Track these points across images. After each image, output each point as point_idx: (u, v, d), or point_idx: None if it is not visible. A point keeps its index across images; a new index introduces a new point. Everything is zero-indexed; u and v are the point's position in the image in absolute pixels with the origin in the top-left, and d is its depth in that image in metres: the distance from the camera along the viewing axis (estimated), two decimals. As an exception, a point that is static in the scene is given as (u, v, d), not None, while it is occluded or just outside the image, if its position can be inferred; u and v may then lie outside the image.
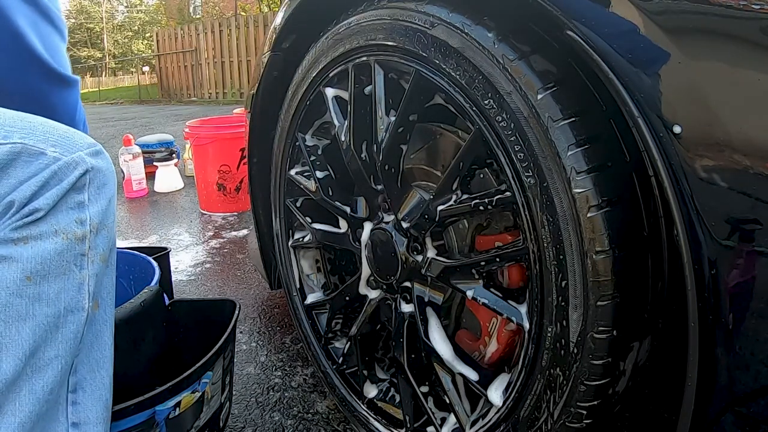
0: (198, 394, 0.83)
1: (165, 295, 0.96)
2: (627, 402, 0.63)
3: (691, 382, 0.48)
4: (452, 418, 0.78)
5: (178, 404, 0.79)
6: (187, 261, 1.98)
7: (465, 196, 0.69)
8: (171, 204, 2.86)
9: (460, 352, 0.76)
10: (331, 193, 0.96)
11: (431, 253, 0.77)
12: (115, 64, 33.51)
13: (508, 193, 0.62)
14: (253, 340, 1.37)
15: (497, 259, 0.66)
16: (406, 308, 0.84)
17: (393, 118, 0.76)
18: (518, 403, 0.66)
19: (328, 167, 0.98)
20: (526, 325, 0.63)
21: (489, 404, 0.70)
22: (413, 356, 0.84)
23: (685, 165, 0.45)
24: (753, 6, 0.41)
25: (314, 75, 0.90)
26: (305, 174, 1.02)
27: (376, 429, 0.92)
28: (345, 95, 0.89)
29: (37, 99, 0.85)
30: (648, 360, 0.60)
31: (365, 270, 0.90)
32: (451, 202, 0.70)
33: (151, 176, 3.16)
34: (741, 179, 0.42)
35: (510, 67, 0.58)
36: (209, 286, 1.75)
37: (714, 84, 0.43)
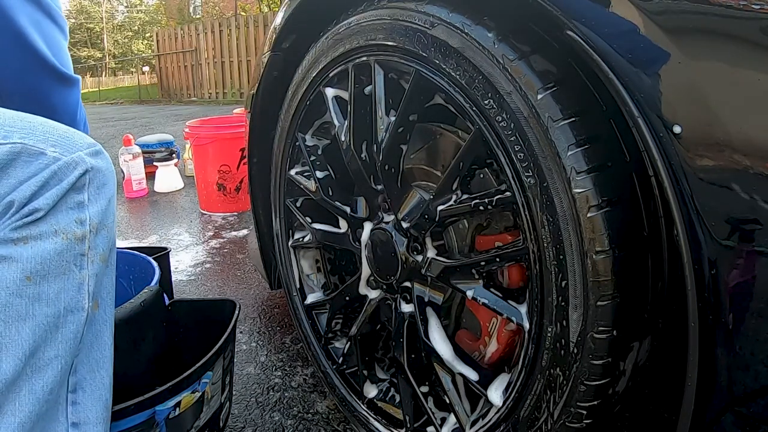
0: (198, 394, 0.83)
1: (165, 295, 0.96)
2: (627, 402, 0.63)
3: (691, 382, 0.48)
4: (452, 418, 0.78)
5: (178, 404, 0.79)
6: (187, 261, 1.98)
7: (465, 196, 0.69)
8: (171, 204, 2.86)
9: (460, 352, 0.76)
10: (331, 193, 0.96)
11: (431, 253, 0.77)
12: (115, 64, 33.51)
13: (508, 193, 0.62)
14: (253, 340, 1.37)
15: (497, 259, 0.66)
16: (406, 308, 0.84)
17: (393, 118, 0.76)
18: (518, 403, 0.66)
19: (328, 167, 0.98)
20: (526, 325, 0.63)
21: (489, 404, 0.70)
22: (413, 356, 0.84)
23: (685, 165, 0.45)
24: (753, 6, 0.41)
25: (314, 75, 0.90)
26: (305, 174, 1.02)
27: (376, 429, 0.92)
28: (345, 95, 0.89)
29: (38, 98, 0.85)
30: (648, 360, 0.60)
31: (365, 270, 0.90)
32: (451, 202, 0.70)
33: (151, 176, 3.16)
34: (741, 179, 0.42)
35: (510, 67, 0.58)
36: (209, 286, 1.75)
37: (714, 84, 0.43)
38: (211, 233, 2.31)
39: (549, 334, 0.60)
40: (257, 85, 1.07)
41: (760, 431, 0.46)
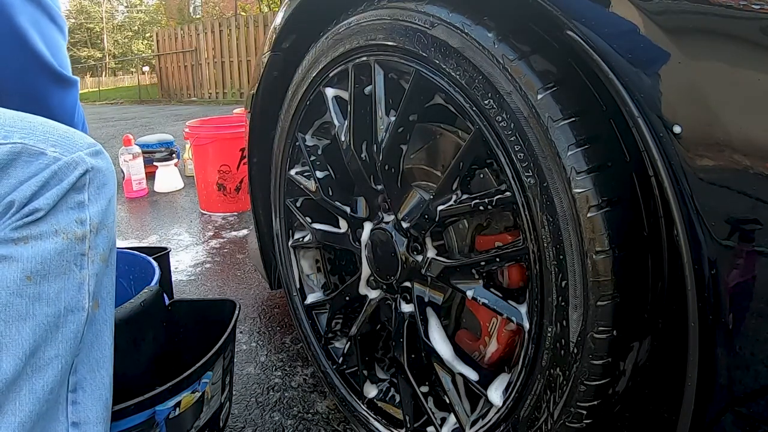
0: (198, 394, 0.83)
1: (165, 295, 0.96)
2: (627, 402, 0.63)
3: (691, 382, 0.48)
4: (452, 418, 0.78)
5: (178, 404, 0.79)
6: (187, 261, 1.98)
7: (465, 196, 0.69)
8: (171, 204, 2.86)
9: (460, 352, 0.76)
10: (331, 193, 0.96)
11: (431, 253, 0.77)
12: (115, 64, 33.52)
13: (508, 193, 0.62)
14: (253, 340, 1.37)
15: (497, 259, 0.66)
16: (406, 308, 0.84)
17: (393, 118, 0.76)
18: (518, 403, 0.66)
19: (328, 167, 0.98)
20: (526, 325, 0.63)
21: (489, 404, 0.70)
22: (413, 356, 0.84)
23: (685, 165, 0.45)
24: (753, 6, 0.41)
25: (314, 75, 0.90)
26: (305, 174, 1.02)
27: (376, 429, 0.92)
28: (345, 95, 0.89)
29: (36, 99, 0.85)
30: (648, 360, 0.60)
31: (365, 270, 0.90)
32: (451, 202, 0.70)
33: (151, 176, 3.16)
34: (741, 179, 0.42)
35: (510, 67, 0.58)
36: (209, 286, 1.75)
37: (714, 84, 0.43)
38: (211, 233, 2.31)
39: (549, 334, 0.60)
40: (257, 85, 1.07)
41: (760, 431, 0.46)
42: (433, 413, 0.82)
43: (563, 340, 0.58)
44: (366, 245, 0.88)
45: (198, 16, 22.57)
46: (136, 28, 35.84)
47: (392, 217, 0.82)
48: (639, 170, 0.55)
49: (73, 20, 33.59)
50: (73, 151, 0.61)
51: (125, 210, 2.76)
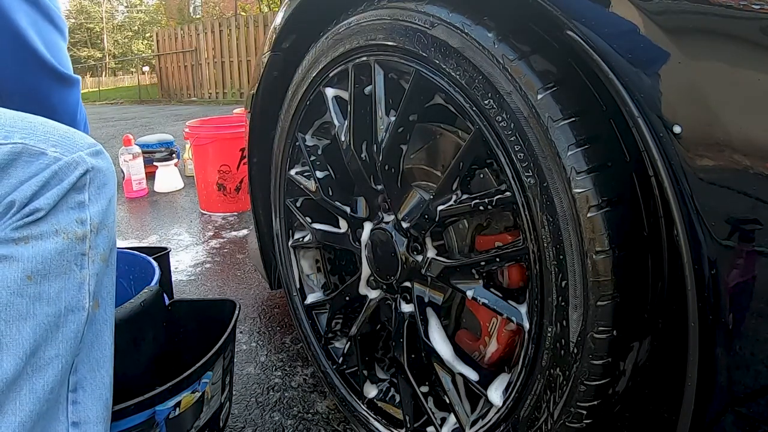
0: (198, 394, 0.83)
1: (165, 295, 0.96)
2: (627, 402, 0.63)
3: (691, 382, 0.48)
4: (452, 418, 0.78)
5: (178, 404, 0.79)
6: (187, 261, 1.98)
7: (465, 196, 0.69)
8: (171, 204, 2.86)
9: (460, 352, 0.76)
10: (331, 193, 0.96)
11: (431, 253, 0.77)
12: (115, 64, 33.52)
13: (508, 193, 0.62)
14: (253, 340, 1.37)
15: (497, 259, 0.66)
16: (406, 308, 0.84)
17: (393, 118, 0.76)
18: (518, 403, 0.66)
19: (328, 167, 0.98)
20: (526, 325, 0.63)
21: (489, 404, 0.70)
22: (413, 356, 0.84)
23: (685, 165, 0.45)
24: (753, 6, 0.41)
25: (314, 75, 0.90)
26: (305, 174, 1.02)
27: (376, 429, 0.92)
28: (345, 95, 0.89)
29: (37, 99, 0.85)
30: (648, 360, 0.60)
31: (365, 270, 0.90)
32: (451, 202, 0.70)
33: (151, 176, 3.16)
34: (741, 179, 0.42)
35: (510, 67, 0.58)
36: (209, 286, 1.75)
37: (714, 84, 0.43)
38: (211, 233, 2.31)
39: (549, 334, 0.60)
40: (257, 85, 1.07)
41: (760, 431, 0.46)
42: (433, 413, 0.82)
43: (563, 340, 0.58)
44: (366, 245, 0.88)
45: (198, 16, 22.57)
46: (136, 28, 35.85)
47: (392, 217, 0.82)
48: (639, 170, 0.55)
49: (73, 20, 33.60)
50: (74, 151, 0.61)
51: (125, 210, 2.76)
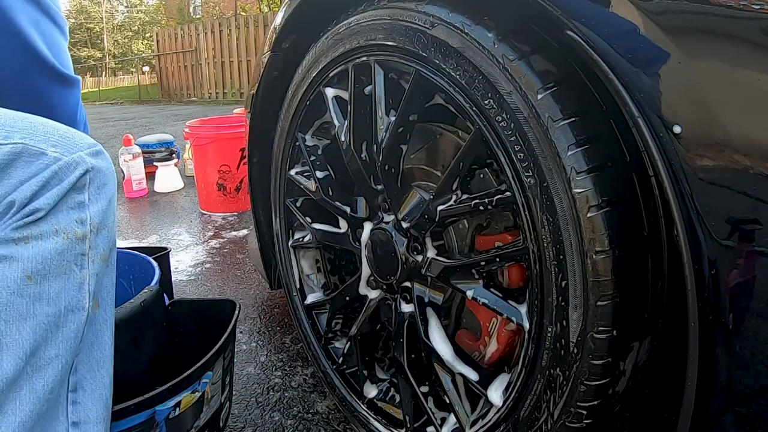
0: (198, 394, 0.83)
1: (165, 295, 0.96)
2: (627, 402, 0.63)
3: (691, 382, 0.48)
4: (452, 418, 0.78)
5: (178, 404, 0.79)
6: (187, 261, 1.98)
7: (465, 196, 0.69)
8: (171, 204, 2.86)
9: (460, 352, 0.76)
10: (331, 193, 0.96)
11: (431, 253, 0.77)
12: (115, 64, 33.53)
13: (508, 193, 0.62)
14: (253, 340, 1.37)
15: (497, 259, 0.66)
16: (406, 308, 0.84)
17: (393, 118, 0.76)
18: (518, 403, 0.66)
19: (328, 167, 0.98)
20: (526, 325, 0.63)
21: (489, 404, 0.70)
22: (413, 356, 0.84)
23: (685, 165, 0.45)
24: (753, 6, 0.41)
25: (314, 75, 0.90)
26: (305, 174, 1.02)
27: (376, 429, 0.92)
28: (345, 95, 0.89)
29: (37, 99, 0.85)
30: (648, 360, 0.60)
31: (365, 270, 0.90)
32: (451, 202, 0.70)
33: (151, 176, 3.16)
34: (741, 179, 0.42)
35: (510, 67, 0.58)
36: (209, 286, 1.75)
37: (714, 84, 0.43)
38: (211, 233, 2.31)
39: (549, 334, 0.60)
40: (257, 85, 1.07)
41: (759, 431, 0.46)
42: (433, 413, 0.82)
43: (563, 340, 0.58)
44: (366, 245, 0.88)
45: (198, 16, 22.57)
46: (136, 28, 35.85)
47: (392, 217, 0.82)
48: (639, 170, 0.55)
49: (73, 20, 33.60)
50: (74, 152, 0.61)
51: (125, 210, 2.76)
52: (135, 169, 2.97)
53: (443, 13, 0.65)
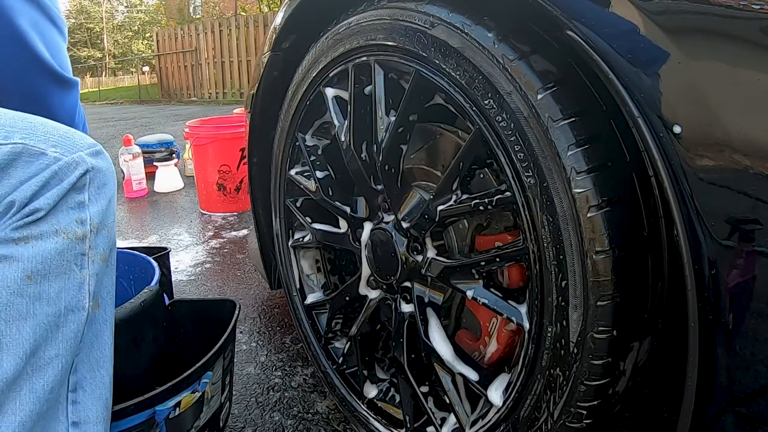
0: (198, 394, 0.83)
1: (165, 295, 0.96)
2: (627, 402, 0.63)
3: (691, 382, 0.48)
4: (452, 418, 0.78)
5: (178, 404, 0.79)
6: (187, 261, 1.98)
7: (465, 196, 0.69)
8: (171, 204, 2.86)
9: (460, 352, 0.76)
10: (331, 193, 0.96)
11: (431, 253, 0.77)
12: (115, 64, 33.53)
13: (508, 193, 0.62)
14: (253, 340, 1.37)
15: (497, 259, 0.66)
16: (406, 308, 0.84)
17: (393, 118, 0.76)
18: (518, 403, 0.66)
19: (328, 167, 0.98)
20: (526, 325, 0.63)
21: (489, 404, 0.70)
22: (413, 356, 0.84)
23: (685, 165, 0.45)
24: (753, 6, 0.41)
25: (314, 75, 0.90)
26: (305, 174, 1.02)
27: (376, 429, 0.92)
28: (345, 95, 0.89)
29: (36, 100, 0.85)
30: (648, 360, 0.60)
31: (365, 270, 0.90)
32: (451, 202, 0.70)
33: (151, 176, 3.16)
34: (741, 179, 0.42)
35: (510, 67, 0.58)
36: (209, 286, 1.75)
37: (714, 84, 0.43)
38: (211, 233, 2.31)
39: (549, 334, 0.60)
40: (257, 85, 1.07)
41: (760, 431, 0.46)
42: (433, 413, 0.82)
43: (563, 340, 0.58)
44: (366, 245, 0.88)
45: (198, 16, 22.58)
46: (136, 28, 35.86)
47: (392, 217, 0.82)
48: (639, 170, 0.55)
49: (73, 20, 33.62)
50: (74, 152, 0.61)
51: (125, 210, 2.76)
52: (135, 169, 2.97)
53: (443, 13, 0.65)
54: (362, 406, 0.96)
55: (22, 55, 0.81)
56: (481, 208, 0.66)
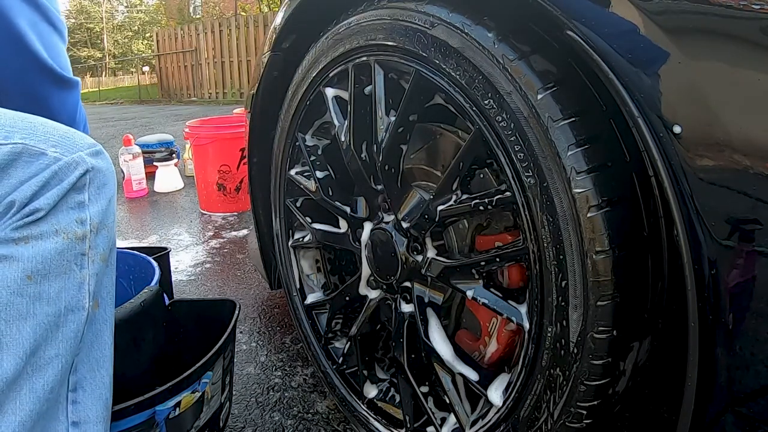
0: (198, 394, 0.83)
1: (165, 295, 0.96)
2: (627, 402, 0.63)
3: (691, 382, 0.48)
4: (452, 418, 0.78)
5: (178, 404, 0.79)
6: (187, 261, 1.98)
7: (465, 196, 0.69)
8: (171, 204, 2.86)
9: (460, 352, 0.76)
10: (331, 193, 0.96)
11: (431, 253, 0.77)
12: (115, 64, 33.53)
13: (508, 193, 0.62)
14: (253, 340, 1.37)
15: (497, 259, 0.66)
16: (406, 308, 0.84)
17: (393, 118, 0.76)
18: (518, 403, 0.66)
19: (328, 167, 0.98)
20: (526, 325, 0.63)
21: (489, 404, 0.70)
22: (413, 356, 0.84)
23: (685, 165, 0.45)
24: (753, 6, 0.41)
25: (314, 75, 0.90)
26: (305, 174, 1.02)
27: (376, 429, 0.92)
28: (345, 95, 0.89)
29: (37, 100, 0.85)
30: (648, 360, 0.60)
31: (365, 270, 0.90)
32: (451, 202, 0.70)
33: (151, 176, 3.16)
34: (741, 179, 0.42)
35: (510, 67, 0.58)
36: (209, 286, 1.75)
37: (714, 84, 0.43)
38: (211, 233, 2.31)
39: (549, 334, 0.60)
40: (257, 85, 1.07)
41: (760, 431, 0.46)
42: (433, 413, 0.82)
43: (563, 340, 0.58)
44: (366, 245, 0.88)
45: (198, 16, 22.58)
46: (136, 28, 35.87)
47: (392, 217, 0.82)
48: (639, 170, 0.55)
49: (73, 20, 33.63)
50: (74, 152, 0.61)
51: (125, 210, 2.76)
52: (135, 169, 2.97)
53: (443, 13, 0.65)
54: (362, 406, 0.96)
55: (22, 56, 0.81)
56: (481, 208, 0.66)
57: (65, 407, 0.61)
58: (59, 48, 0.87)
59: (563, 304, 0.57)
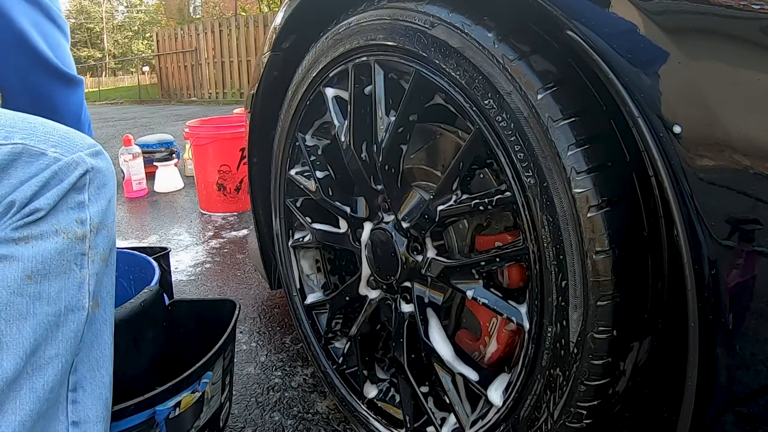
0: (198, 394, 0.83)
1: (165, 295, 0.96)
2: (627, 402, 0.63)
3: (691, 382, 0.48)
4: (452, 418, 0.78)
5: (178, 404, 0.79)
6: (187, 261, 1.98)
7: (465, 196, 0.69)
8: (171, 204, 2.86)
9: (460, 352, 0.76)
10: (331, 193, 0.96)
11: (431, 253, 0.77)
12: (115, 64, 33.54)
13: (508, 193, 0.62)
14: (253, 340, 1.37)
15: (497, 259, 0.66)
16: (406, 308, 0.84)
17: (393, 118, 0.76)
18: (518, 403, 0.66)
19: (328, 167, 0.98)
20: (526, 325, 0.63)
21: (489, 404, 0.70)
22: (413, 356, 0.84)
23: (685, 165, 0.45)
24: (753, 6, 0.41)
25: (314, 75, 0.90)
26: (305, 174, 1.02)
27: (376, 429, 0.92)
28: (345, 95, 0.89)
29: (43, 99, 0.85)
30: (648, 360, 0.60)
31: (365, 270, 0.90)
32: (451, 202, 0.70)
33: (151, 176, 3.16)
34: (741, 179, 0.42)
35: (510, 67, 0.58)
36: (209, 286, 1.75)
37: (714, 84, 0.43)
38: (211, 233, 2.31)
39: (549, 334, 0.60)
40: (257, 85, 1.07)
41: (760, 431, 0.46)
42: (433, 413, 0.82)
43: (563, 340, 0.58)
44: (366, 245, 0.88)
45: (198, 16, 22.57)
46: (136, 28, 35.88)
47: (392, 217, 0.82)
48: (639, 170, 0.55)
49: (73, 20, 33.62)
50: (74, 152, 0.61)
51: (125, 210, 2.76)
52: (135, 169, 2.97)
53: (443, 13, 0.65)
54: (362, 406, 0.96)
55: (26, 55, 0.81)
56: (481, 208, 0.66)
57: (65, 407, 0.61)
58: (63, 46, 0.87)
59: (563, 304, 0.57)
